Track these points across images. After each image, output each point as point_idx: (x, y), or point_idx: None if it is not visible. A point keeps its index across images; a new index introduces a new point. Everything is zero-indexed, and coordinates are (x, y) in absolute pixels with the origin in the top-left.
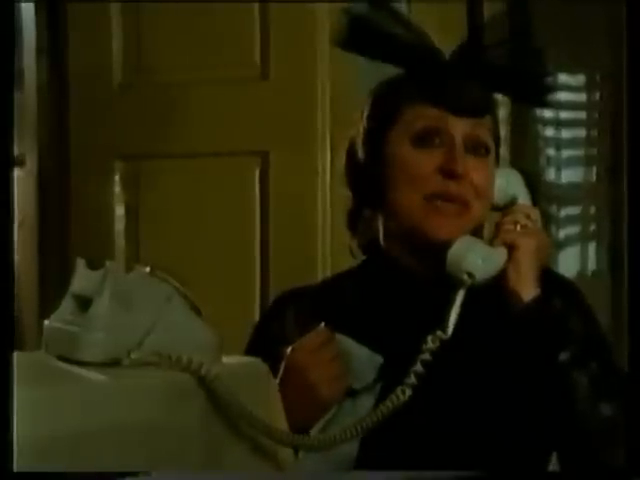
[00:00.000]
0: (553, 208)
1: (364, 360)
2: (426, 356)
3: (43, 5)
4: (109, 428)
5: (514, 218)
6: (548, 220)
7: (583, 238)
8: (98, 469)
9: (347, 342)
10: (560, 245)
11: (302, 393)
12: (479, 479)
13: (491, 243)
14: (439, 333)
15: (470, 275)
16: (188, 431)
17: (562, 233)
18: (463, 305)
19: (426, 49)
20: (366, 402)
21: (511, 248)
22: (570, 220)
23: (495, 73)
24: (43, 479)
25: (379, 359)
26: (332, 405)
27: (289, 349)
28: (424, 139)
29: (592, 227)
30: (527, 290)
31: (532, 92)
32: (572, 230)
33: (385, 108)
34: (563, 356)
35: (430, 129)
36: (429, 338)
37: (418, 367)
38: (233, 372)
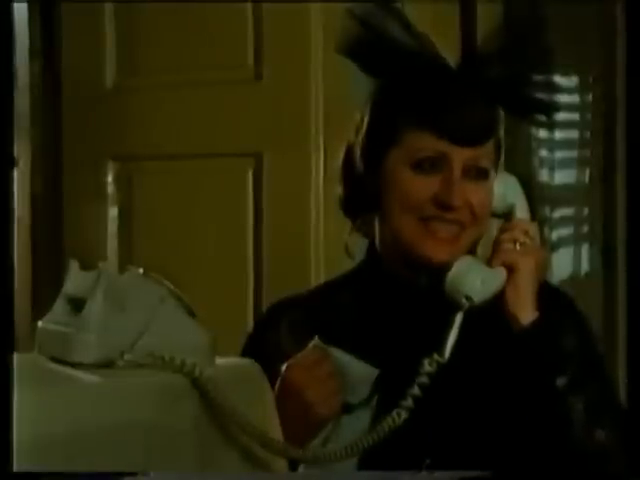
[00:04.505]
0: (546, 209)
1: (359, 374)
2: (423, 379)
3: (36, 6)
4: (102, 429)
5: (513, 236)
6: (541, 221)
7: (576, 239)
8: (93, 469)
9: (342, 356)
10: (553, 246)
11: (298, 412)
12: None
13: (489, 262)
14: (436, 357)
15: (468, 298)
16: (181, 432)
17: (555, 234)
18: (461, 326)
19: (432, 62)
20: (363, 416)
21: (510, 269)
22: (563, 221)
23: (499, 90)
24: (42, 479)
25: (374, 372)
26: (328, 423)
27: (284, 367)
28: (423, 165)
29: (585, 228)
30: (525, 313)
31: (536, 110)
32: (565, 231)
33: (386, 128)
34: (560, 381)
35: (431, 157)
36: (426, 361)
37: (415, 390)
38: (226, 373)
